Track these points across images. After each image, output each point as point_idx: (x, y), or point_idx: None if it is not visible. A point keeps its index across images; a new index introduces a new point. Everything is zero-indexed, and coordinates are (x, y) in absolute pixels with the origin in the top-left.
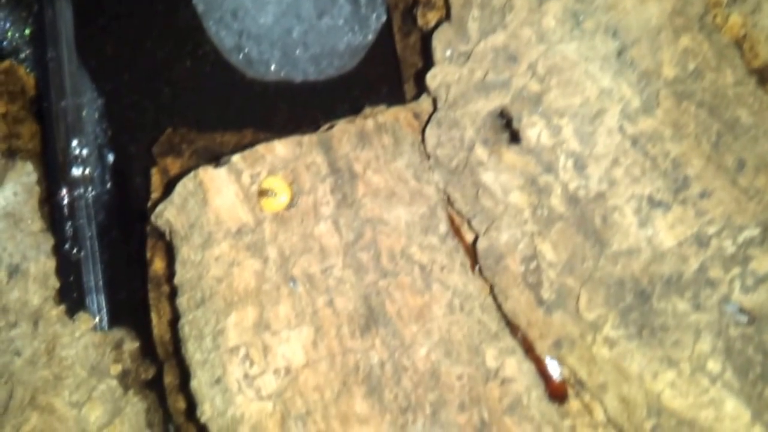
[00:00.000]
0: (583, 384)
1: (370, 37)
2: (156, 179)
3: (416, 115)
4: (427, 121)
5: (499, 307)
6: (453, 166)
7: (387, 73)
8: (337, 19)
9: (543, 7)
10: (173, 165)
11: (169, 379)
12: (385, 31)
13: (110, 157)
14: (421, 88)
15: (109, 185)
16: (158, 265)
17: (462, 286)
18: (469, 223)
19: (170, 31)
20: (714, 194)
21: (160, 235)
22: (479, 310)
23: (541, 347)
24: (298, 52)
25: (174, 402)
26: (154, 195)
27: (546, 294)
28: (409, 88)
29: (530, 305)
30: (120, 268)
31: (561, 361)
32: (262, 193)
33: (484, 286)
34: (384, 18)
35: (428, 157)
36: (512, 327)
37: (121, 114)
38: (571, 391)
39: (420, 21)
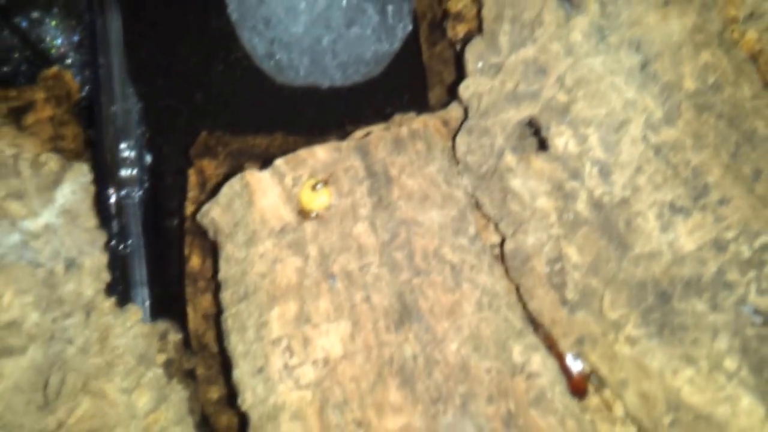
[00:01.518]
0: (604, 380)
1: (396, 45)
2: (193, 180)
3: (445, 123)
4: (458, 129)
5: (523, 307)
6: (482, 171)
7: (411, 81)
8: (365, 28)
9: (570, 22)
10: (209, 166)
11: (201, 370)
12: (411, 41)
13: (148, 159)
14: (446, 95)
15: (147, 185)
16: (195, 261)
17: (490, 285)
18: (496, 226)
19: (205, 38)
20: (732, 201)
21: (196, 233)
22: (506, 309)
23: (564, 345)
24: (326, 59)
25: (205, 393)
26: (191, 194)
27: (570, 294)
28: (434, 95)
29: (554, 305)
30: (160, 264)
31: (583, 359)
32: (303, 194)
33: (509, 286)
34: (410, 28)
35: (458, 163)
36: (535, 325)
37: (158, 117)
38: (590, 388)
39: (449, 33)
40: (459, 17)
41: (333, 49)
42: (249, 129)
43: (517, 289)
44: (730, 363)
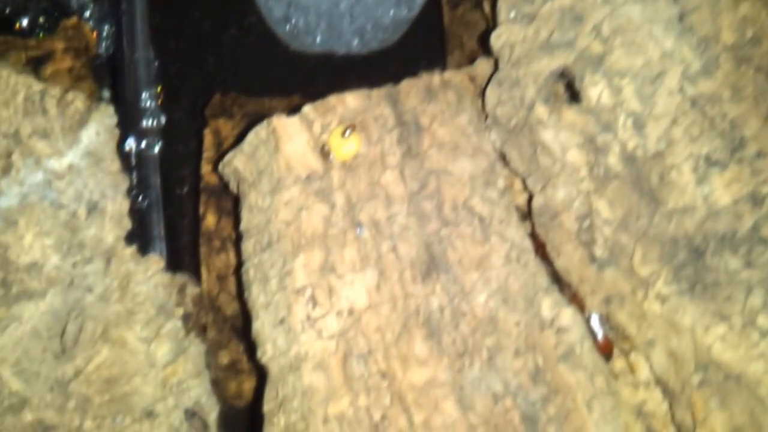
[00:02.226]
0: (631, 340)
1: (415, 11)
2: (209, 140)
3: (471, 79)
4: (488, 81)
5: (550, 265)
6: (512, 125)
7: (429, 48)
8: None
9: None
10: (225, 126)
11: (213, 333)
12: (429, 6)
13: (162, 119)
14: (466, 61)
15: (162, 144)
16: (210, 221)
17: (519, 239)
18: (524, 182)
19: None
20: None
21: (212, 192)
22: (534, 265)
23: (592, 303)
24: (344, 24)
25: (215, 357)
26: (207, 154)
27: (599, 251)
28: (452, 61)
29: (583, 262)
30: (175, 221)
31: (610, 317)
32: (332, 141)
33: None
34: None
35: (486, 117)
36: (561, 284)
37: (172, 78)
38: (615, 352)
39: None
40: None
41: (351, 14)
42: (264, 93)
43: (544, 247)
44: (764, 320)
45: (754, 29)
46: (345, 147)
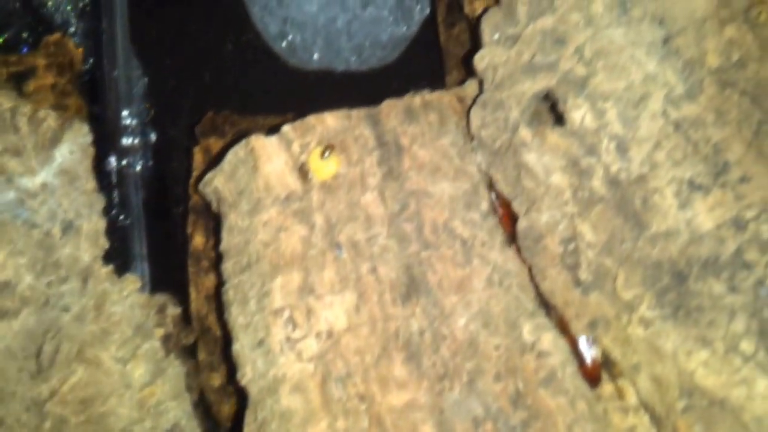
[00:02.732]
0: (617, 365)
1: (413, 29)
2: (198, 158)
3: (460, 99)
4: (473, 103)
5: (536, 288)
6: (496, 147)
7: (428, 66)
8: (381, 9)
9: None
10: (216, 145)
11: (203, 355)
12: (428, 24)
13: (152, 136)
14: (464, 76)
15: (151, 162)
16: (198, 240)
17: (501, 262)
18: (509, 204)
19: (215, 16)
20: (753, 179)
21: (200, 212)
22: (517, 288)
23: (577, 327)
24: (341, 41)
25: (207, 379)
26: (196, 173)
27: (584, 274)
28: (451, 80)
29: (567, 285)
30: (161, 241)
31: (596, 342)
32: (311, 161)
33: (521, 266)
34: (427, 10)
35: (472, 138)
36: (547, 308)
37: (164, 95)
38: (604, 376)
39: (467, 9)
40: None
41: (348, 31)
42: (259, 111)
43: (530, 270)
44: (746, 345)
45: (740, 53)
46: (324, 167)
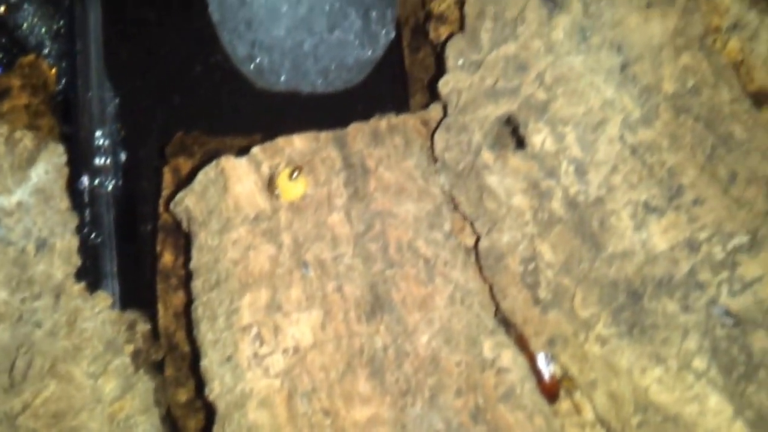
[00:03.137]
0: (574, 381)
1: (378, 52)
2: (168, 178)
3: (424, 123)
4: (437, 126)
5: (496, 306)
6: (460, 169)
7: (393, 89)
8: (347, 33)
9: (552, 21)
10: (185, 165)
11: (171, 371)
12: (394, 48)
13: (123, 156)
14: (428, 100)
15: (121, 182)
16: (167, 258)
17: (463, 281)
18: (472, 225)
19: (186, 39)
20: (706, 202)
21: (169, 230)
22: (478, 306)
23: (536, 344)
24: (308, 64)
25: (174, 395)
26: (165, 192)
27: (543, 293)
28: (415, 104)
29: (527, 304)
30: (131, 259)
31: (554, 359)
32: (280, 182)
33: (483, 284)
34: (393, 34)
35: (436, 160)
36: (507, 326)
37: (135, 116)
38: (561, 392)
39: (432, 35)
40: (442, 19)
41: (315, 54)
42: (227, 132)
43: (491, 289)
44: (699, 363)
45: (695, 79)
46: (292, 188)
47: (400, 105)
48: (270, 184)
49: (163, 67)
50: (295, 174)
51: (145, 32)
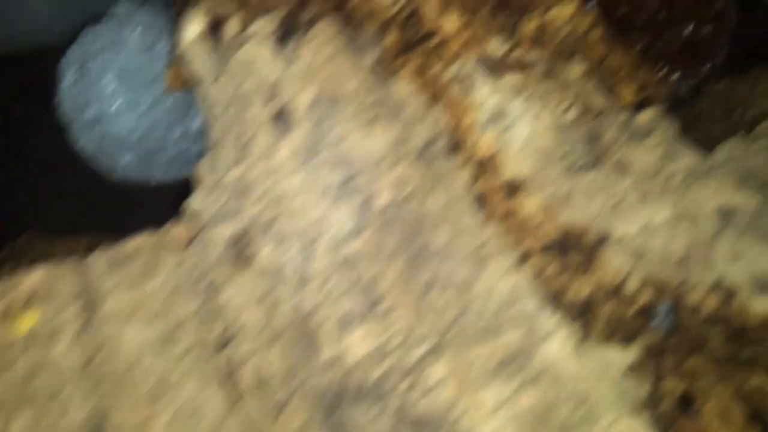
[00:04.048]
0: None
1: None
2: None
3: (177, 240)
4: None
5: None
6: (202, 287)
7: None
8: (189, 128)
9: (280, 142)
10: None
11: None
12: None
13: None
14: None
15: None
16: None
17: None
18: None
19: (33, 134)
20: (398, 309)
21: None
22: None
23: None
24: (155, 157)
25: None
26: None
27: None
28: None
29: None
30: None
31: None
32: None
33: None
34: None
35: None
36: None
37: None
38: None
39: None
40: None
41: (162, 147)
42: (73, 228)
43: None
44: None
45: (411, 187)
46: (24, 321)
47: None
48: (5, 317)
49: (9, 163)
50: (28, 306)
51: None
